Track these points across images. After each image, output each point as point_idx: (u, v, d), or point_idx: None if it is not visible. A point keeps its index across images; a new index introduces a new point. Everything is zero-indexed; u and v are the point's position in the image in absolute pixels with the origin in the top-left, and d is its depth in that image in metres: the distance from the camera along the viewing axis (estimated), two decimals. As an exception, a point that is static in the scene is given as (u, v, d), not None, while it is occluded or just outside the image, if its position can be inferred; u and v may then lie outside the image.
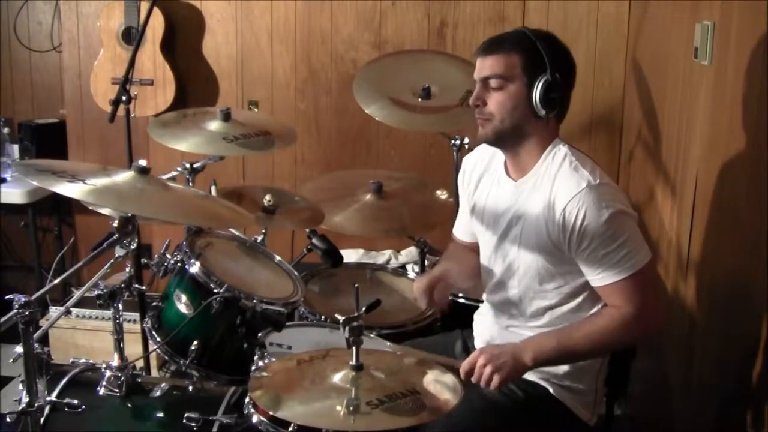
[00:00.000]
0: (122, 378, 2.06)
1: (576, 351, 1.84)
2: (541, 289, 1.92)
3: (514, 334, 1.99)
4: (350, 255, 3.58)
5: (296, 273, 2.37)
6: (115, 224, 1.86)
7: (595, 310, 1.90)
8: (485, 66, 1.87)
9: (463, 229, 2.21)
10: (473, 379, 1.78)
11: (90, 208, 2.55)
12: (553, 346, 1.83)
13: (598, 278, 1.83)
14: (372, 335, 1.99)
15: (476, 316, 2.15)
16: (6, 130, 3.97)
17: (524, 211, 1.90)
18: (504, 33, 1.92)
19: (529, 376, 1.95)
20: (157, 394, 2.08)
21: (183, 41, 3.79)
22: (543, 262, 1.89)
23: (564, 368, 1.93)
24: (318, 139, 3.79)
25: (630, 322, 1.80)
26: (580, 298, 1.91)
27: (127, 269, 2.18)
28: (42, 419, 1.87)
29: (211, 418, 1.94)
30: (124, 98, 2.72)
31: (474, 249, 2.14)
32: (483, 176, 2.06)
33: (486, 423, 1.88)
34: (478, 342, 2.10)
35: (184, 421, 1.93)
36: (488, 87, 1.87)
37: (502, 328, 2.02)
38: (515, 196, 1.93)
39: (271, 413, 1.64)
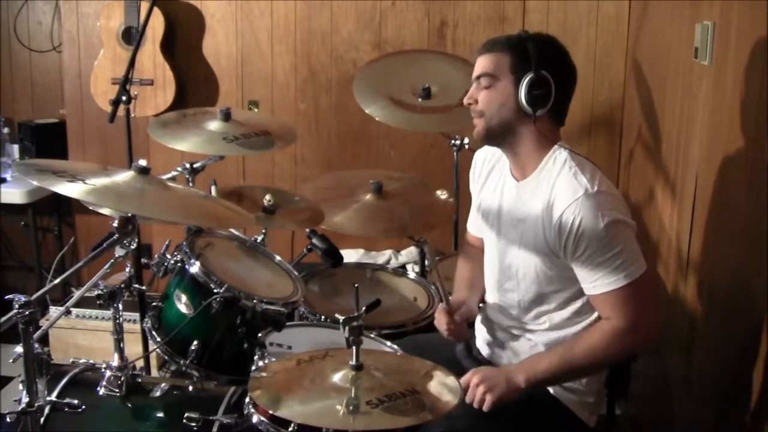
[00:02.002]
0: (122, 378, 2.06)
1: (572, 370, 1.86)
2: (539, 292, 1.92)
3: (514, 335, 1.99)
4: (350, 255, 3.58)
5: (296, 273, 2.37)
6: (115, 224, 1.86)
7: (593, 315, 1.89)
8: (478, 65, 1.92)
9: (475, 223, 2.22)
10: (467, 399, 1.80)
11: (90, 208, 2.55)
12: (546, 369, 1.84)
13: (591, 286, 1.82)
14: (372, 335, 2.00)
15: (479, 314, 2.15)
16: (6, 130, 3.97)
17: (525, 213, 1.90)
18: (505, 34, 1.94)
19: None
20: (157, 394, 2.08)
21: (183, 41, 3.79)
22: (541, 265, 1.89)
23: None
24: (318, 139, 3.79)
25: (622, 335, 1.80)
26: (579, 303, 1.90)
27: (127, 269, 2.18)
28: (42, 419, 1.87)
29: (211, 418, 1.94)
30: (124, 98, 2.71)
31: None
32: (491, 173, 2.07)
33: (486, 423, 1.88)
34: (480, 341, 2.11)
35: (184, 421, 1.93)
36: (480, 85, 1.91)
37: (503, 329, 2.02)
38: (517, 198, 1.94)
39: (271, 413, 1.64)
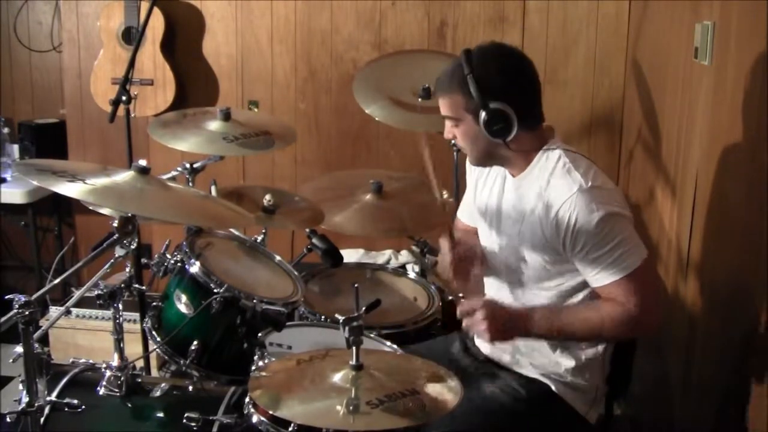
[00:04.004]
0: (122, 378, 2.06)
1: (572, 338, 1.89)
2: (540, 286, 1.93)
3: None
4: (350, 255, 3.58)
5: (296, 273, 2.37)
6: (115, 224, 1.86)
7: None
8: (441, 107, 1.93)
9: (467, 212, 2.23)
10: (464, 323, 1.83)
11: (90, 208, 2.55)
12: (549, 327, 1.85)
13: (594, 279, 1.83)
14: (372, 335, 2.00)
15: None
16: (6, 130, 3.97)
17: (522, 210, 1.91)
18: (449, 67, 1.91)
19: (531, 373, 1.96)
20: (157, 394, 2.08)
21: (183, 41, 3.79)
22: (541, 260, 1.90)
23: (566, 365, 1.94)
24: (318, 139, 3.79)
25: (627, 320, 1.81)
26: (580, 296, 1.91)
27: (127, 269, 2.18)
28: (42, 419, 1.87)
29: (211, 418, 1.94)
30: (124, 98, 2.72)
31: (476, 233, 2.15)
32: (489, 169, 2.07)
33: (487, 421, 1.88)
34: (478, 340, 2.10)
35: (184, 421, 1.93)
36: (451, 123, 1.93)
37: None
38: (514, 194, 1.95)
39: (271, 413, 1.64)
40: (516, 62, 1.88)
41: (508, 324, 1.83)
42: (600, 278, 1.82)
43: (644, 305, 1.81)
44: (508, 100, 1.82)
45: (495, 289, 2.06)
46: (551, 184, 1.85)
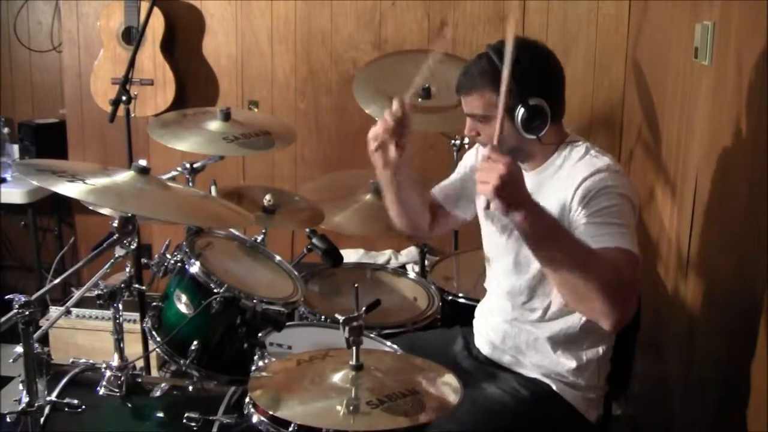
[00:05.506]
0: (122, 378, 2.06)
1: (567, 254, 1.64)
2: (542, 284, 1.92)
3: (516, 327, 1.99)
4: (350, 255, 3.58)
5: (296, 273, 2.37)
6: (115, 224, 1.86)
7: None
8: (466, 104, 1.89)
9: (443, 193, 2.25)
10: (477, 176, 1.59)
11: (90, 208, 2.55)
12: (551, 228, 1.64)
13: (593, 240, 1.70)
14: (372, 335, 1.99)
15: (477, 311, 2.16)
16: (6, 130, 3.97)
17: (542, 199, 1.86)
18: (474, 63, 1.88)
19: (531, 373, 1.96)
20: (157, 394, 2.08)
21: (183, 41, 3.79)
22: None
23: (566, 365, 1.94)
24: (318, 139, 3.79)
25: (617, 281, 1.62)
26: None
27: (127, 269, 2.18)
28: (42, 419, 1.87)
29: (211, 418, 1.94)
30: (124, 98, 2.72)
31: (432, 207, 2.21)
32: None
33: (488, 421, 1.88)
34: (479, 338, 2.11)
35: (184, 421, 1.93)
36: (476, 119, 1.89)
37: (505, 321, 2.02)
38: (534, 186, 1.90)
39: (271, 413, 1.64)
40: (545, 57, 1.89)
41: (518, 195, 1.58)
42: (601, 240, 1.70)
43: (630, 287, 1.66)
44: (543, 95, 1.81)
45: (500, 287, 2.05)
46: (578, 166, 1.83)
